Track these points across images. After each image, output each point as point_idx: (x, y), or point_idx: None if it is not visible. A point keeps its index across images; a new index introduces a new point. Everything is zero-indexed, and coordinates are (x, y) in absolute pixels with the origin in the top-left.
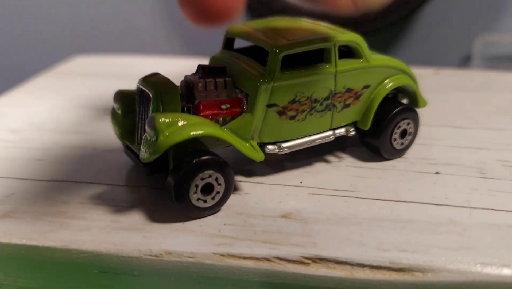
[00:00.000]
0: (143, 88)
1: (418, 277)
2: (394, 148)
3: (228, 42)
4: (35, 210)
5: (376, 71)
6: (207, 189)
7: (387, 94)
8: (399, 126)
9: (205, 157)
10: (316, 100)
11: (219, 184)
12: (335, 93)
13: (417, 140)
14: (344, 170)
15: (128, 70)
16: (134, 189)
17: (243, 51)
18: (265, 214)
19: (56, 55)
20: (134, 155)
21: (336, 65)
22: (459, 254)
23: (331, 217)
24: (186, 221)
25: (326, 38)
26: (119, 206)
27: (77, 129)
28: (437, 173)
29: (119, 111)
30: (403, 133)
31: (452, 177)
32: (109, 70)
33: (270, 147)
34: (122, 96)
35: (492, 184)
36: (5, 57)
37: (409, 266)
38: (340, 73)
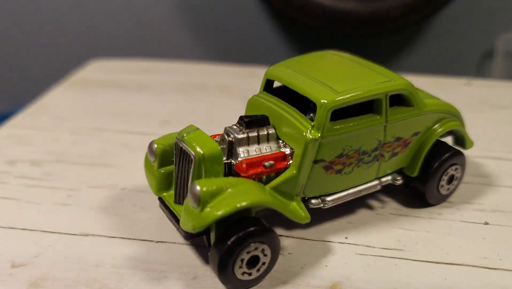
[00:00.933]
0: (183, 147)
1: None
2: (441, 194)
3: (268, 84)
4: (67, 276)
5: (426, 117)
6: (253, 261)
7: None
8: (447, 173)
9: (252, 228)
10: (364, 153)
11: (265, 255)
12: (384, 144)
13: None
14: (388, 219)
15: (150, 78)
16: (171, 246)
17: (283, 92)
18: (312, 283)
19: (71, 60)
20: (171, 215)
21: (386, 116)
22: None
23: (384, 287)
24: None
25: (377, 89)
26: (155, 271)
27: (102, 161)
28: (486, 223)
29: (155, 165)
30: (451, 179)
31: (501, 228)
32: (129, 78)
33: (314, 201)
34: (158, 149)
35: None
36: (16, 63)
37: None
38: (390, 123)
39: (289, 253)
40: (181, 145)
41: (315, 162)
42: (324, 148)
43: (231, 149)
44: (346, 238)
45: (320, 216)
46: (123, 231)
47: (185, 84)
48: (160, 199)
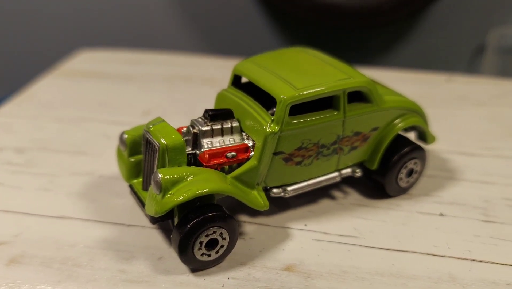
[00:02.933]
0: (149, 138)
1: None
2: (400, 186)
3: (236, 79)
4: (43, 254)
5: (386, 113)
6: (212, 244)
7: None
8: (406, 166)
9: (210, 214)
10: (323, 146)
11: (223, 239)
12: (343, 138)
13: (424, 171)
14: (348, 209)
15: (136, 69)
16: (141, 230)
17: (251, 87)
18: (268, 264)
19: (61, 49)
20: (139, 201)
21: (344, 111)
22: None
23: (334, 270)
24: (190, 273)
25: (335, 86)
26: (125, 251)
27: (84, 149)
28: (441, 214)
29: (125, 154)
30: (410, 172)
31: (455, 220)
32: (117, 69)
33: (275, 190)
34: (128, 139)
35: (494, 230)
36: (6, 52)
37: None
38: (348, 119)
39: (250, 238)
40: (147, 136)
41: (275, 153)
42: (284, 141)
43: (195, 140)
44: (305, 225)
45: (283, 205)
46: (98, 214)
47: (171, 76)
48: (130, 186)
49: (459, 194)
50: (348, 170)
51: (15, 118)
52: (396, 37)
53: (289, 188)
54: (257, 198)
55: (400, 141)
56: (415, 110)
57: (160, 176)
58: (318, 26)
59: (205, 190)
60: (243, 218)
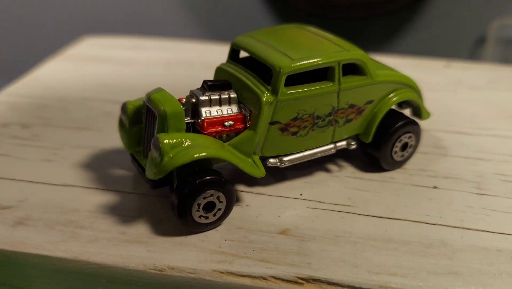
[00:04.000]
0: (149, 106)
1: None
2: (394, 160)
3: (234, 53)
4: (47, 217)
5: (380, 87)
6: (209, 207)
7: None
8: (401, 140)
9: (207, 177)
10: (318, 117)
11: (220, 202)
12: (338, 110)
13: (419, 149)
14: (343, 181)
15: (139, 54)
16: (141, 197)
17: (249, 62)
18: (264, 229)
19: (66, 36)
20: (140, 167)
21: (339, 83)
22: (446, 280)
23: (327, 234)
24: (188, 235)
25: (330, 57)
26: (126, 216)
27: (86, 125)
28: (434, 187)
29: (126, 123)
30: (404, 146)
31: (449, 192)
32: (120, 54)
33: (271, 160)
34: (129, 109)
35: (487, 202)
36: (13, 39)
37: None
38: (343, 91)
39: (247, 205)
40: (147, 104)
41: (271, 123)
42: (280, 111)
43: (194, 109)
44: (301, 194)
45: (280, 176)
46: (100, 183)
47: (172, 61)
48: (131, 154)
49: (453, 169)
50: (343, 143)
51: (21, 98)
52: (396, 29)
53: (285, 158)
54: (254, 166)
55: (394, 116)
56: (410, 85)
57: (159, 139)
58: (318, 15)
59: (203, 154)
60: (240, 187)
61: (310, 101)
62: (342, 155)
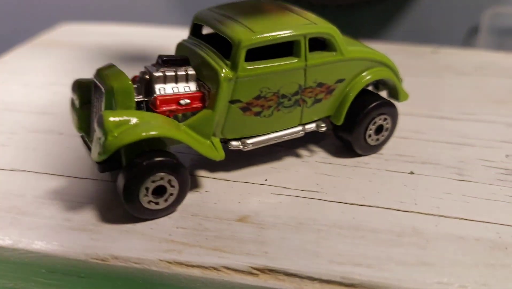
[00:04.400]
0: (97, 82)
1: None
2: (368, 144)
3: (196, 28)
4: None
5: (351, 64)
6: (160, 191)
7: (365, 87)
8: (375, 122)
9: (156, 159)
10: (283, 96)
11: (172, 186)
12: (305, 88)
13: (398, 133)
14: (313, 166)
15: (116, 41)
16: (92, 182)
17: (211, 38)
18: (221, 216)
19: (44, 23)
20: (89, 150)
21: (306, 59)
22: (416, 271)
23: (290, 221)
24: (137, 222)
25: (295, 30)
26: (73, 202)
27: (49, 110)
28: (411, 173)
29: (76, 102)
30: (379, 129)
31: (426, 178)
32: (95, 40)
33: (234, 143)
34: (79, 87)
35: (467, 188)
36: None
37: (360, 283)
38: (310, 68)
39: (206, 191)
40: (95, 80)
41: (232, 102)
42: (240, 88)
43: (148, 87)
44: (266, 180)
45: (246, 161)
46: (51, 168)
47: (147, 48)
48: (82, 136)
49: (433, 154)
50: (313, 125)
51: None
52: (388, 17)
53: (249, 141)
54: (212, 148)
55: (368, 96)
56: (385, 64)
57: (104, 117)
58: (308, 3)
59: (152, 133)
60: (202, 172)
61: (273, 78)
62: (314, 140)
